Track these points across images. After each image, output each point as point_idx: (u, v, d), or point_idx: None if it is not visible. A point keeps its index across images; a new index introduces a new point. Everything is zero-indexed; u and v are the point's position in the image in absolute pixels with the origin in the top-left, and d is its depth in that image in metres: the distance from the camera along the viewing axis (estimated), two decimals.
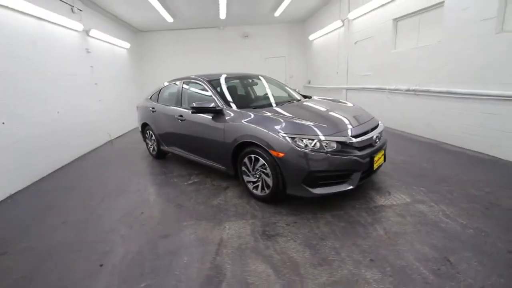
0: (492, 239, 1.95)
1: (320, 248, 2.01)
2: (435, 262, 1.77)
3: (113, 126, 7.13)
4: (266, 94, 3.83)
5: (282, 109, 2.98)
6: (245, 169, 2.84)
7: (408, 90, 4.95)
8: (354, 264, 1.82)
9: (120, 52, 8.16)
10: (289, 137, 2.39)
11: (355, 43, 6.77)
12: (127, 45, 8.41)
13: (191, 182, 3.56)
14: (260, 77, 4.08)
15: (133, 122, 8.99)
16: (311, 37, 9.58)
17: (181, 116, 3.66)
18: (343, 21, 7.21)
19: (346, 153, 2.38)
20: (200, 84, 3.62)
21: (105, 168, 4.51)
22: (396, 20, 5.21)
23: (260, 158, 2.61)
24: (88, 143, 5.78)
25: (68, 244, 2.34)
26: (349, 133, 2.49)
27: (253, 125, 2.66)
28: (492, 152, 3.57)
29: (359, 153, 2.43)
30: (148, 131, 4.71)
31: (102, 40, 6.78)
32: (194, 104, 3.12)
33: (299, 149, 2.33)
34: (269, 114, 2.78)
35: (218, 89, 3.39)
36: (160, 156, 4.67)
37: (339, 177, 2.41)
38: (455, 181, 2.93)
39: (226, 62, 10.32)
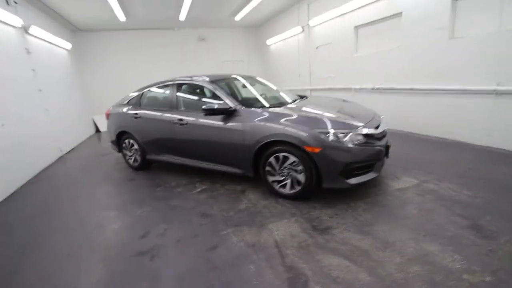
0: (498, 203, 2.39)
1: (375, 233, 2.14)
2: (471, 228, 2.08)
3: (64, 139, 6.05)
4: (268, 94, 3.82)
5: (300, 107, 3.03)
6: (270, 169, 2.80)
7: (373, 88, 5.61)
8: (413, 241, 1.99)
9: (61, 53, 7.00)
10: (323, 132, 2.47)
11: (317, 48, 7.32)
12: (68, 45, 7.27)
13: (199, 190, 3.30)
14: (258, 78, 4.08)
15: (84, 133, 7.84)
16: (268, 42, 9.93)
17: (181, 120, 3.37)
18: (303, 27, 7.71)
19: (371, 144, 2.59)
20: (199, 85, 3.41)
21: (73, 191, 3.80)
22: (357, 27, 5.86)
23: (290, 156, 2.62)
24: (38, 161, 4.77)
25: None
26: (372, 125, 2.71)
27: (282, 124, 2.65)
28: (450, 137, 4.35)
29: (380, 143, 2.67)
30: (127, 141, 4.17)
31: (43, 40, 5.71)
32: (205, 106, 2.94)
33: (335, 143, 2.43)
34: (291, 112, 2.80)
35: (226, 89, 3.26)
36: (143, 167, 4.19)
37: (367, 166, 2.60)
38: (438, 162, 3.46)
39: (181, 65, 9.84)
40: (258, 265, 1.89)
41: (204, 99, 3.41)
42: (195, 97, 3.54)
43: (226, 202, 2.91)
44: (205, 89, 3.45)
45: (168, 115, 3.55)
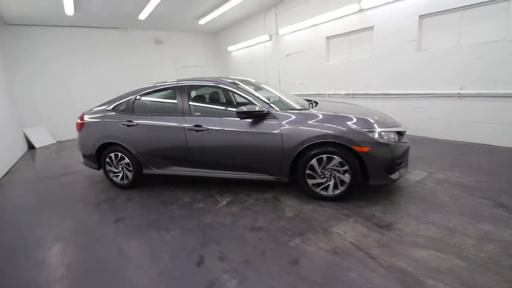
0: (500, 184, 2.87)
1: (433, 222, 2.28)
2: (499, 207, 2.44)
3: None
4: (284, 97, 3.62)
5: (328, 109, 3.02)
6: (311, 172, 2.73)
7: (347, 94, 6.13)
8: (468, 224, 2.21)
9: None
10: (369, 131, 2.55)
11: (287, 56, 7.62)
12: None
13: (225, 203, 2.98)
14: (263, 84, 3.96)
15: (15, 151, 6.22)
16: (230, 48, 9.85)
17: (198, 126, 3.00)
18: (270, 35, 7.93)
19: (402, 141, 2.80)
20: (219, 87, 3.12)
21: (58, 224, 2.96)
22: (328, 38, 6.35)
23: (336, 157, 2.61)
24: None
25: None
26: (397, 124, 2.93)
27: (327, 125, 2.62)
28: (420, 134, 5.06)
29: (406, 140, 2.92)
30: (113, 154, 3.48)
31: None
32: (245, 109, 2.71)
33: (381, 141, 2.54)
34: (330, 113, 2.80)
35: (253, 91, 3.06)
36: (134, 184, 3.56)
37: (401, 162, 2.79)
38: (426, 155, 3.97)
39: (136, 70, 8.90)
40: (357, 271, 1.80)
41: (224, 103, 3.13)
42: (214, 101, 3.22)
43: (267, 212, 2.70)
44: (221, 92, 3.17)
45: (177, 121, 3.12)
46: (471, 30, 4.13)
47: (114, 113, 3.51)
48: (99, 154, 3.59)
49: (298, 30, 6.97)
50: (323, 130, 2.61)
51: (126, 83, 8.62)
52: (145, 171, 3.42)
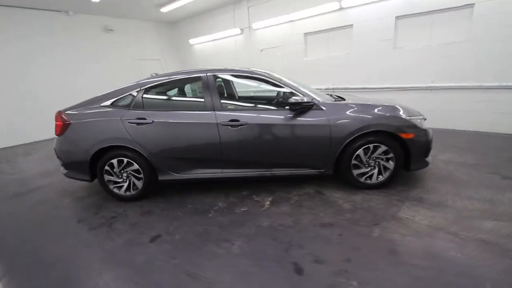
0: (489, 159, 3.42)
1: (479, 197, 2.53)
2: (505, 179, 2.90)
3: None
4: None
5: (360, 101, 3.06)
6: (357, 162, 2.76)
7: (327, 88, 6.43)
8: (500, 193, 2.56)
9: None
10: (413, 118, 2.71)
11: (261, 50, 7.53)
12: None
13: (268, 203, 2.76)
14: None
15: None
16: (192, 41, 9.21)
17: (235, 121, 2.69)
18: (242, 29, 7.71)
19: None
20: (255, 77, 2.86)
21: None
22: (307, 34, 6.52)
23: (382, 145, 2.69)
24: None
25: None
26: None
27: (376, 114, 2.67)
28: None
29: None
30: (115, 161, 2.84)
31: None
32: (297, 99, 2.56)
33: (421, 127, 2.73)
34: (373, 103, 2.86)
35: (291, 82, 2.88)
36: (146, 193, 3.00)
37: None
38: None
39: (79, 60, 7.53)
40: (453, 249, 1.88)
41: (261, 94, 2.88)
42: (251, 92, 2.92)
43: (322, 206, 2.61)
44: (253, 83, 2.91)
45: (207, 116, 2.73)
46: (440, 32, 4.80)
47: (113, 109, 2.86)
48: (93, 162, 2.88)
49: (274, 25, 6.96)
50: (374, 119, 2.65)
51: (68, 76, 7.26)
52: (161, 178, 2.90)
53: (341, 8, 5.72)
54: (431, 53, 4.92)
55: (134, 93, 2.89)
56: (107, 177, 2.93)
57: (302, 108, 2.65)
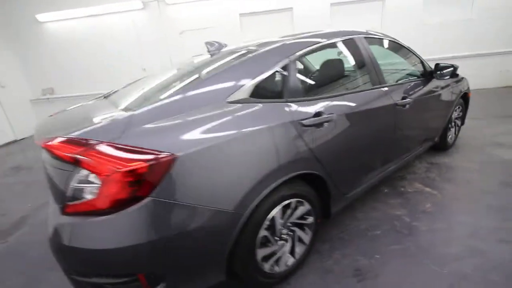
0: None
1: (504, 162, 3.44)
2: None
3: None
4: None
5: None
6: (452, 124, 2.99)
7: None
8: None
9: None
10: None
11: (181, 33, 5.96)
12: None
13: (421, 202, 2.38)
14: None
15: None
16: (42, 18, 5.75)
17: (405, 98, 2.04)
18: (145, 3, 5.70)
19: None
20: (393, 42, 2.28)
21: None
22: (242, 15, 5.84)
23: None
24: None
25: None
26: None
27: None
28: None
29: None
30: (281, 209, 1.39)
31: None
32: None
33: None
34: None
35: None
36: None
37: None
38: None
39: None
40: None
41: (398, 64, 2.32)
42: (393, 61, 2.21)
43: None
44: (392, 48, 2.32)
45: (379, 95, 1.88)
46: (370, 19, 5.82)
47: (263, 106, 1.33)
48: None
49: (197, 0, 5.67)
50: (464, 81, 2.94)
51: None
52: (334, 209, 1.73)
53: None
54: None
55: (282, 70, 1.46)
56: (261, 252, 1.37)
57: (452, 72, 2.43)
